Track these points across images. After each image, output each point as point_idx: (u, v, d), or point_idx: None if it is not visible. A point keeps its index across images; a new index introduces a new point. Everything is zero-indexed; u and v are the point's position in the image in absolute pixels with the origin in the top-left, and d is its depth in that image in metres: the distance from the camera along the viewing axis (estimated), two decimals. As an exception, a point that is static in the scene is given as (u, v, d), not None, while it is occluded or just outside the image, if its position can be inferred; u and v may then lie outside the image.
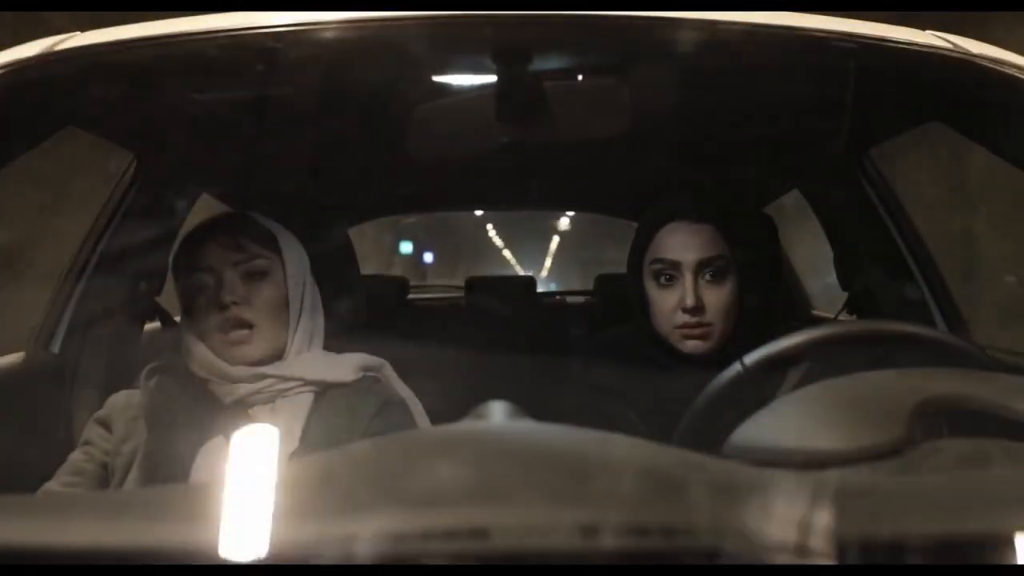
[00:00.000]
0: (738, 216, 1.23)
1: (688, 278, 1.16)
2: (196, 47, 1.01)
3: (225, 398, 1.07)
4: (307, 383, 1.10)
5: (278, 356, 1.11)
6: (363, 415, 1.10)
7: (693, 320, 1.16)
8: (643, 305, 1.22)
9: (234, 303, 1.07)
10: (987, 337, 1.38)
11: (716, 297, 1.17)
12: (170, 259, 1.16)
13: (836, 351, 0.87)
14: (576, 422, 0.47)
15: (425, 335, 1.36)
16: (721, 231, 1.18)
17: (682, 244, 1.17)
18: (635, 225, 1.30)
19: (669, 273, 1.18)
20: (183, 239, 1.15)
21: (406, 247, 12.21)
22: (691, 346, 1.18)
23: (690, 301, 1.15)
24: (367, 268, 2.37)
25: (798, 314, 2.05)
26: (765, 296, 1.22)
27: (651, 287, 1.21)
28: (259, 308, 1.09)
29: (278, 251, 1.13)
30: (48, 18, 2.67)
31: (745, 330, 1.17)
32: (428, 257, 12.90)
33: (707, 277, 1.17)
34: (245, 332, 1.07)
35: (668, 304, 1.18)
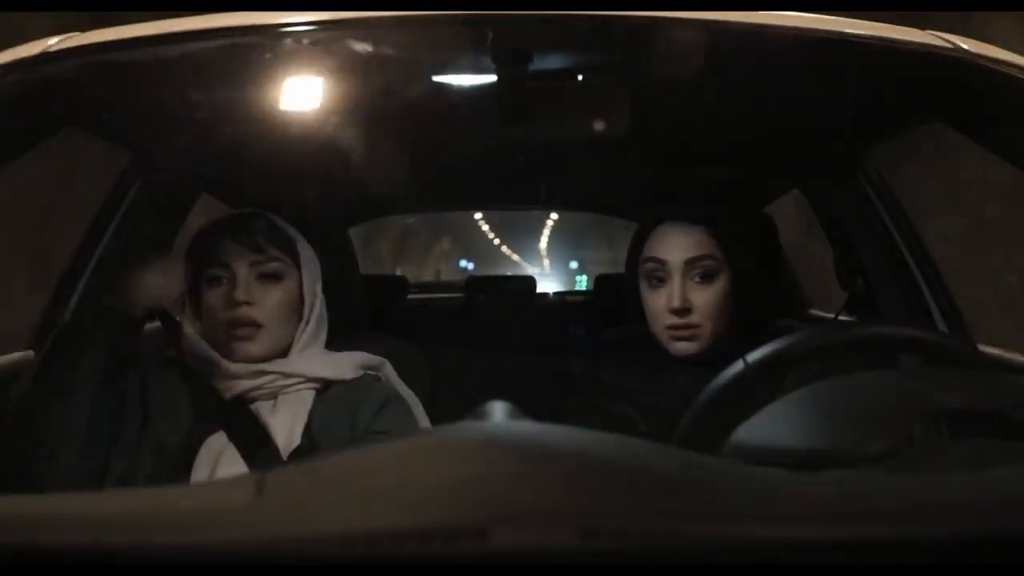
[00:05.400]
0: (733, 217, 1.23)
1: (676, 278, 1.16)
2: (196, 47, 1.01)
3: (225, 394, 1.07)
4: (308, 380, 1.10)
5: (281, 355, 1.12)
6: (365, 413, 1.10)
7: (680, 321, 1.16)
8: (638, 306, 1.23)
9: (246, 303, 1.07)
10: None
11: (704, 298, 1.16)
12: (184, 250, 1.16)
13: (840, 352, 0.87)
14: (576, 422, 0.47)
15: (425, 335, 1.36)
16: (713, 232, 1.18)
17: (671, 244, 1.18)
18: (635, 225, 1.31)
19: (659, 274, 1.18)
20: (201, 231, 1.14)
21: (464, 263, 17.10)
22: (680, 348, 1.17)
23: (676, 302, 1.15)
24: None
25: (796, 314, 2.05)
26: (761, 297, 1.22)
27: (644, 287, 1.21)
28: (269, 310, 1.09)
29: (295, 256, 1.13)
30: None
31: (739, 331, 1.17)
32: (471, 266, 16.98)
33: (695, 278, 1.17)
34: (251, 330, 1.07)
35: (658, 305, 1.18)
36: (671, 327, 1.17)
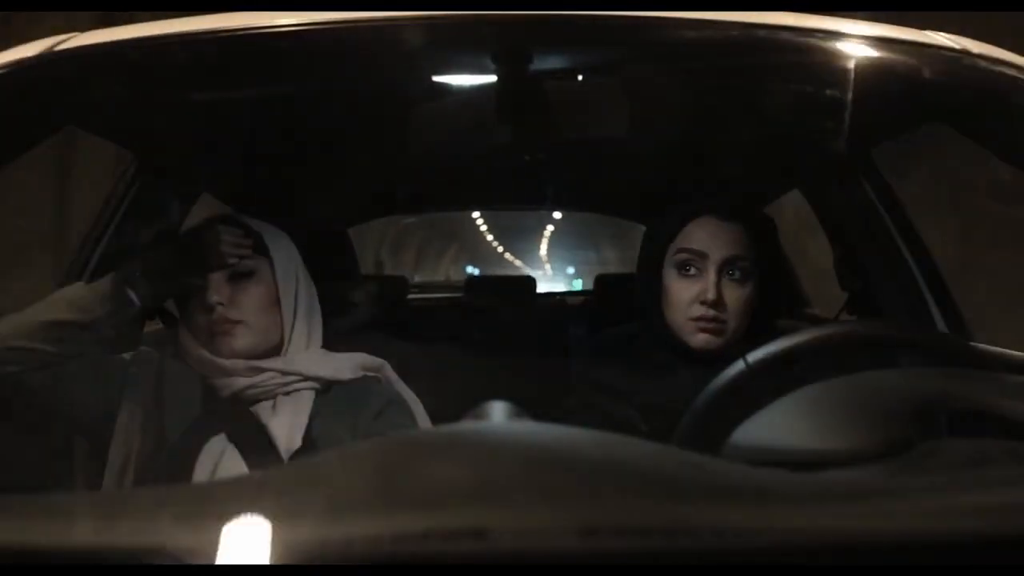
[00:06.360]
0: (760, 218, 1.24)
1: (712, 272, 1.17)
2: (196, 47, 1.01)
3: (223, 391, 1.08)
4: (306, 378, 1.11)
5: (273, 353, 1.12)
6: (366, 415, 1.10)
7: (711, 314, 1.16)
8: (656, 296, 1.22)
9: (220, 304, 1.08)
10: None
11: (736, 296, 1.17)
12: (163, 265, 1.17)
13: (841, 352, 0.87)
14: (576, 422, 0.47)
15: (425, 335, 1.36)
16: (747, 232, 1.19)
17: (712, 237, 1.18)
18: (632, 224, 1.30)
19: (694, 264, 1.19)
20: (172, 246, 1.17)
21: (470, 269, 17.79)
22: (702, 339, 1.18)
23: (711, 295, 1.16)
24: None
25: (797, 314, 2.05)
26: (774, 296, 1.23)
27: (671, 277, 1.21)
28: (247, 308, 1.10)
29: (264, 251, 1.14)
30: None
31: (753, 330, 1.17)
32: (476, 271, 17.77)
33: (729, 275, 1.18)
34: (230, 326, 1.09)
35: (687, 295, 1.18)
36: (699, 318, 1.17)
